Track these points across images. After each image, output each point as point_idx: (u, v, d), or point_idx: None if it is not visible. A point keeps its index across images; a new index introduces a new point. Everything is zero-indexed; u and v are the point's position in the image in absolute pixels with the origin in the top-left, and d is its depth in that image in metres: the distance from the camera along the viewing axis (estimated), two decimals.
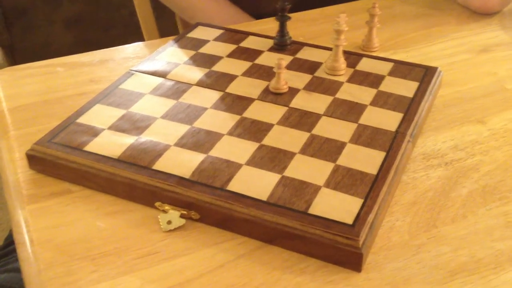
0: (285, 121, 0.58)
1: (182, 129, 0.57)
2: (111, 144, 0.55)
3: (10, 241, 0.82)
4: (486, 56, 0.76)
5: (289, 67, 0.67)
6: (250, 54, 0.70)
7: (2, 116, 0.64)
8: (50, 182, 0.54)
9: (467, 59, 0.75)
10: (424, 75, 0.66)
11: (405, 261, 0.47)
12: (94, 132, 0.56)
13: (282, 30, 0.72)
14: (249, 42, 0.73)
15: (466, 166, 0.57)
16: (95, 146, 0.54)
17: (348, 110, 0.60)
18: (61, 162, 0.54)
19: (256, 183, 0.50)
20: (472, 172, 0.56)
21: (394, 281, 0.45)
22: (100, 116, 0.59)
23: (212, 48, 0.72)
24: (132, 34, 1.96)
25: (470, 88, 0.69)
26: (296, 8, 0.85)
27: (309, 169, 0.52)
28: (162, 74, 0.66)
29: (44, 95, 0.67)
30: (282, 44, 0.72)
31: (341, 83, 0.65)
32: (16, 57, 1.89)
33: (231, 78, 0.65)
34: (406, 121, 0.58)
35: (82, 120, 0.58)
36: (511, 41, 0.79)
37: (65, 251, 0.48)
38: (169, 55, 0.70)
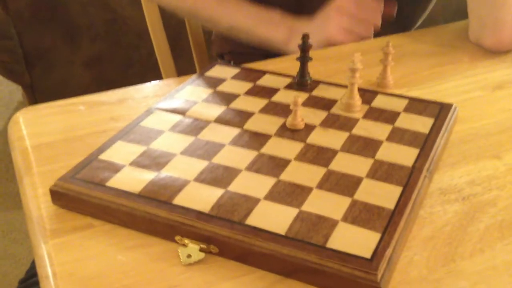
0: (302, 157, 0.59)
1: (201, 165, 0.58)
2: (131, 179, 0.56)
3: (32, 274, 0.82)
4: (501, 93, 0.77)
5: (305, 104, 0.69)
6: (267, 92, 0.72)
7: (26, 154, 0.65)
8: (72, 217, 0.56)
9: (481, 96, 0.76)
10: (439, 111, 0.67)
11: None
12: (115, 168, 0.57)
13: (303, 70, 0.73)
14: (266, 80, 0.75)
15: (483, 201, 0.57)
16: (116, 181, 0.56)
17: (364, 146, 0.61)
18: (83, 197, 0.55)
19: (274, 218, 0.51)
20: (489, 207, 0.56)
21: None
22: (121, 152, 0.60)
23: (230, 86, 0.73)
24: (150, 73, 2.00)
25: (485, 124, 0.70)
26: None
27: (326, 204, 0.53)
28: (181, 112, 0.68)
29: (66, 133, 0.69)
30: (302, 84, 0.73)
31: (356, 120, 0.66)
32: (36, 96, 1.93)
33: (248, 115, 0.67)
34: (422, 157, 0.59)
35: (103, 156, 0.59)
36: None
37: (87, 285, 0.48)
38: (188, 93, 0.72)
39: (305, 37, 0.70)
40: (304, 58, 0.72)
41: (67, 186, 0.55)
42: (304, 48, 0.71)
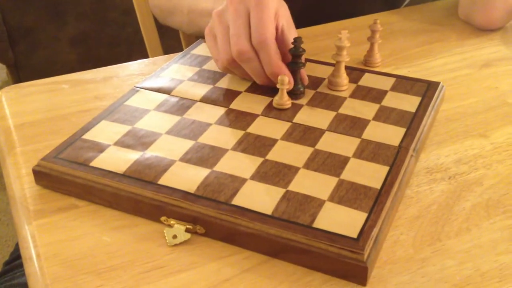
0: (288, 136, 0.59)
1: (187, 144, 0.57)
2: (116, 159, 0.55)
3: (16, 256, 0.82)
4: (488, 71, 0.77)
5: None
6: None
7: (8, 133, 0.64)
8: (56, 197, 0.55)
9: (469, 74, 0.76)
10: (426, 90, 0.67)
11: (410, 275, 0.47)
12: (99, 148, 0.57)
13: (295, 78, 0.65)
14: None
15: (470, 180, 0.57)
16: (100, 161, 0.55)
17: (351, 125, 0.61)
18: (67, 177, 0.54)
19: (261, 198, 0.51)
20: (475, 186, 0.56)
21: None
22: (106, 132, 0.59)
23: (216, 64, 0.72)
24: (136, 51, 1.98)
25: (472, 103, 0.69)
26: (298, 24, 0.86)
27: (313, 184, 0.52)
28: (167, 91, 0.67)
29: (49, 112, 0.68)
30: (294, 92, 0.65)
31: (343, 99, 0.65)
32: (20, 75, 1.91)
33: (234, 94, 0.66)
34: (409, 136, 0.59)
35: (87, 136, 0.59)
36: None
37: (71, 266, 0.48)
38: (174, 72, 0.71)
39: (297, 41, 0.63)
40: (295, 65, 0.64)
41: (50, 166, 0.55)
42: (296, 53, 0.63)
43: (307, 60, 0.73)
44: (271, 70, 0.63)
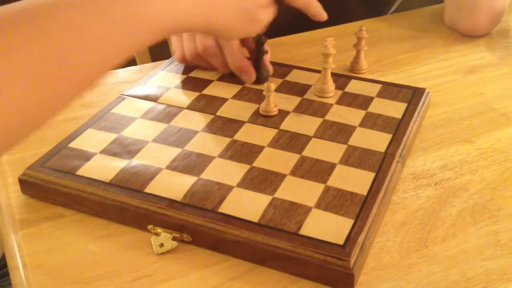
0: (275, 143, 0.59)
1: (173, 152, 0.57)
2: (103, 168, 0.55)
3: (2, 265, 0.81)
4: (473, 77, 0.77)
5: (279, 89, 0.68)
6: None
7: None
8: (42, 206, 0.55)
9: (454, 80, 0.76)
10: (412, 96, 0.67)
11: (397, 281, 0.47)
12: (86, 156, 0.57)
13: (258, 64, 0.70)
14: None
15: (456, 186, 0.58)
16: (87, 170, 0.55)
17: (338, 132, 0.61)
18: (53, 186, 0.54)
19: (247, 205, 0.51)
20: (461, 192, 0.57)
21: None
22: (92, 140, 0.59)
23: (203, 72, 0.73)
24: None
25: (458, 109, 0.70)
26: (284, 32, 0.86)
27: (299, 191, 0.52)
28: (153, 98, 0.67)
29: None
30: (259, 77, 0.70)
31: (330, 105, 0.66)
32: None
33: (221, 101, 0.66)
34: (395, 142, 0.59)
35: (74, 144, 0.58)
36: (498, 61, 0.81)
37: (57, 275, 0.48)
38: (160, 79, 0.71)
39: (259, 35, 0.68)
40: (259, 52, 0.69)
41: (36, 175, 0.54)
42: (260, 41, 0.69)
43: (293, 67, 0.74)
44: (235, 63, 0.68)
